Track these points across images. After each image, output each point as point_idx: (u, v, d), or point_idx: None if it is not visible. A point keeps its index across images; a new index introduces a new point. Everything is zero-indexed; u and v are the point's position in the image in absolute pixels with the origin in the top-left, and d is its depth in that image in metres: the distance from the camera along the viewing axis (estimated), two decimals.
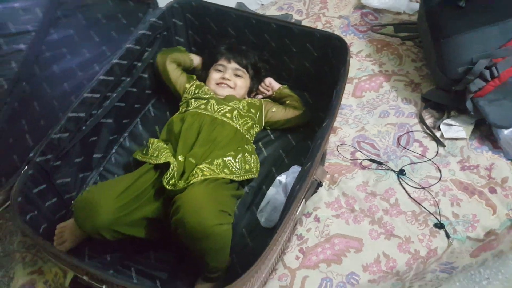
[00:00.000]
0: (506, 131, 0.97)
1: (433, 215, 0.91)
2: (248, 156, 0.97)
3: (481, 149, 1.02)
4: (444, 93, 1.10)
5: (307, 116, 1.12)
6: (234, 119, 1.00)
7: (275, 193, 0.95)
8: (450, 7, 1.07)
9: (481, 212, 0.91)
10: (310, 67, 1.16)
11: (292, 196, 0.78)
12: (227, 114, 1.00)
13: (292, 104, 1.12)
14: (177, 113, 1.05)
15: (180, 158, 0.88)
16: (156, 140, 0.96)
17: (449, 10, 1.07)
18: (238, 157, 0.94)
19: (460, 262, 0.95)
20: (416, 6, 1.44)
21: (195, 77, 1.15)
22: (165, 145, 0.93)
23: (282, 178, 0.95)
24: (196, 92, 1.07)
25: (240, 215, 0.95)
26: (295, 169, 0.97)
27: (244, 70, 1.12)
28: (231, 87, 1.09)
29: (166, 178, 0.83)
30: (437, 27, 1.07)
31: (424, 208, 0.92)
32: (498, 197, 0.93)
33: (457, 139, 1.05)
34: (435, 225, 0.89)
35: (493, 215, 0.91)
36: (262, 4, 1.60)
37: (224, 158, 0.91)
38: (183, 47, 1.22)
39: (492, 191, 0.94)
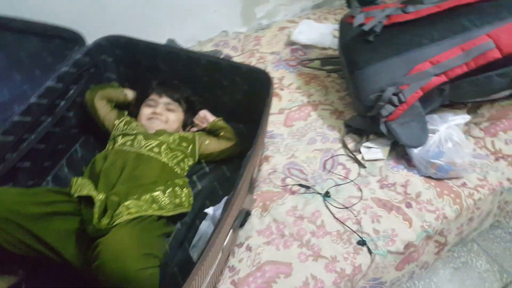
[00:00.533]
0: (416, 150, 1.06)
1: (355, 233, 0.96)
2: (179, 190, 0.98)
3: (397, 168, 1.11)
4: (363, 119, 1.19)
5: (239, 147, 1.16)
6: (162, 153, 1.02)
7: (207, 227, 0.96)
8: (361, 41, 1.18)
9: (399, 226, 0.98)
10: (242, 99, 1.22)
11: (217, 227, 0.80)
12: (154, 149, 1.02)
13: (225, 135, 1.16)
14: (103, 151, 1.05)
15: (101, 196, 0.86)
16: (79, 178, 0.95)
17: (360, 44, 1.18)
18: (168, 191, 0.95)
19: (387, 277, 1.01)
20: None
21: (126, 113, 1.16)
22: (89, 181, 0.93)
23: (209, 210, 0.97)
24: (124, 128, 1.09)
25: (171, 254, 0.95)
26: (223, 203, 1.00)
27: (177, 104, 1.16)
28: (163, 121, 1.12)
29: (89, 217, 0.82)
30: (351, 60, 1.18)
31: (348, 226, 0.97)
32: (414, 211, 1.01)
33: (376, 160, 1.14)
34: (358, 243, 0.94)
35: (410, 228, 0.98)
36: (199, 41, 1.68)
37: (153, 193, 0.91)
38: (116, 83, 1.24)
39: (408, 205, 1.02)
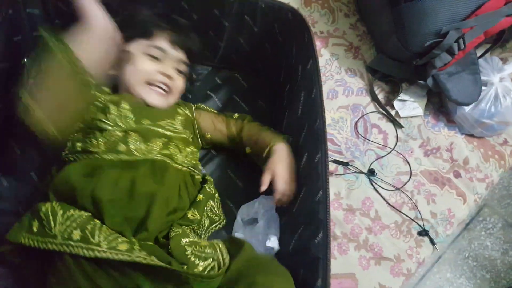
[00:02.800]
0: (467, 109, 0.89)
1: (415, 221, 0.81)
2: (212, 204, 0.68)
3: (437, 127, 0.94)
4: (395, 63, 0.94)
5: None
6: (175, 154, 0.65)
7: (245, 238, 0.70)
8: None
9: (454, 205, 0.86)
10: (244, 44, 0.83)
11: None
12: (164, 149, 0.64)
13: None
14: (76, 162, 0.60)
15: (151, 258, 0.50)
16: (59, 206, 0.55)
17: None
18: (207, 210, 0.65)
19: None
20: None
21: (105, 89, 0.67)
22: (88, 215, 0.55)
23: (273, 241, 0.67)
24: (100, 118, 0.62)
25: None
26: (264, 201, 0.71)
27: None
28: (164, 92, 0.69)
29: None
30: None
31: (406, 215, 0.82)
32: (464, 182, 0.89)
33: (413, 117, 0.94)
34: (419, 233, 0.81)
35: (464, 204, 0.86)
36: None
37: (195, 223, 0.62)
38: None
39: (457, 175, 0.89)
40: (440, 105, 0.97)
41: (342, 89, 0.96)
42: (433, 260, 1.30)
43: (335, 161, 0.85)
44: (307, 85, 0.69)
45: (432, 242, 0.80)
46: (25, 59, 0.67)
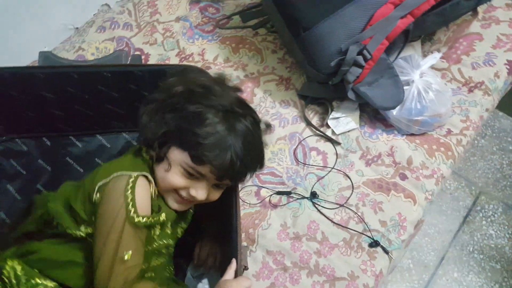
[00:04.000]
0: (394, 112, 0.90)
1: (364, 234, 0.82)
2: None
3: (375, 134, 0.96)
4: (320, 86, 0.98)
5: None
6: None
7: None
8: None
9: (404, 208, 0.85)
10: None
11: None
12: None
13: None
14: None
15: None
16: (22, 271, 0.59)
17: None
18: None
19: (398, 261, 0.91)
20: None
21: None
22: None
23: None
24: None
25: None
26: None
27: None
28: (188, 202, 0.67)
29: None
30: (293, 20, 0.91)
31: (353, 230, 0.82)
32: (411, 183, 0.88)
33: (349, 131, 0.96)
34: (370, 245, 0.80)
35: (415, 205, 0.86)
36: (76, 28, 1.25)
37: None
38: None
39: (403, 177, 0.89)
40: (377, 113, 0.99)
41: (278, 122, 1.00)
42: (436, 262, 1.27)
43: (278, 193, 0.88)
44: None
45: (385, 251, 0.80)
46: None
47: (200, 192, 0.64)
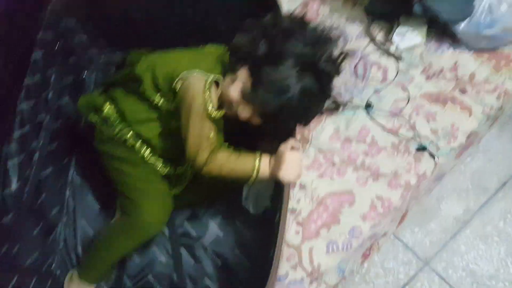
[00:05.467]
0: (462, 25, 0.89)
1: (412, 139, 0.88)
2: None
3: (441, 49, 0.96)
4: (388, 0, 0.99)
5: None
6: None
7: None
8: None
9: (458, 119, 0.88)
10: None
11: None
12: None
13: None
14: None
15: None
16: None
17: None
18: None
19: (447, 168, 0.96)
20: None
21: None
22: None
23: None
24: None
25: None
26: None
27: None
28: None
29: None
30: None
31: (402, 135, 0.89)
32: (470, 96, 0.90)
33: (414, 46, 0.98)
34: (418, 149, 0.87)
35: (470, 116, 0.88)
36: None
37: None
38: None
39: (463, 91, 0.91)
40: (446, 28, 0.97)
41: (341, 39, 1.05)
42: (497, 185, 1.26)
43: (334, 102, 0.97)
44: None
45: (432, 155, 0.86)
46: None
47: (244, 113, 0.77)
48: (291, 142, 0.78)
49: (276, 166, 0.74)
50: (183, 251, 1.04)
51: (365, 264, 1.17)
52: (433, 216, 1.27)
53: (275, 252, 0.63)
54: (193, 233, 1.06)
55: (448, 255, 1.23)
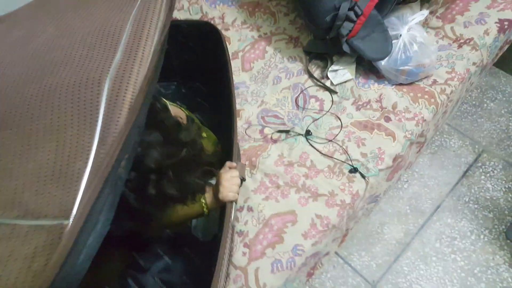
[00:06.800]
0: (383, 62, 1.03)
1: (345, 162, 0.97)
2: None
3: (367, 84, 1.09)
4: (322, 42, 1.13)
5: None
6: None
7: None
8: None
9: (384, 143, 0.99)
10: (190, 58, 1.11)
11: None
12: None
13: None
14: None
15: None
16: None
17: None
18: None
19: (380, 190, 1.05)
20: None
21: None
22: None
23: None
24: None
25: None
26: None
27: None
28: None
29: None
30: None
31: (336, 159, 0.98)
32: (394, 124, 1.02)
33: (345, 81, 1.11)
34: (350, 171, 0.96)
35: (394, 141, 0.99)
36: None
37: None
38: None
39: (387, 120, 1.03)
40: (371, 66, 1.12)
41: (284, 74, 1.17)
42: (432, 209, 1.38)
43: (278, 131, 1.06)
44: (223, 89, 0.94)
45: (362, 176, 0.95)
46: None
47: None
48: (227, 163, 0.83)
49: (216, 190, 0.79)
50: (131, 282, 1.03)
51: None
52: (377, 240, 1.35)
53: (215, 269, 0.66)
54: (142, 262, 1.06)
55: (393, 276, 1.30)
